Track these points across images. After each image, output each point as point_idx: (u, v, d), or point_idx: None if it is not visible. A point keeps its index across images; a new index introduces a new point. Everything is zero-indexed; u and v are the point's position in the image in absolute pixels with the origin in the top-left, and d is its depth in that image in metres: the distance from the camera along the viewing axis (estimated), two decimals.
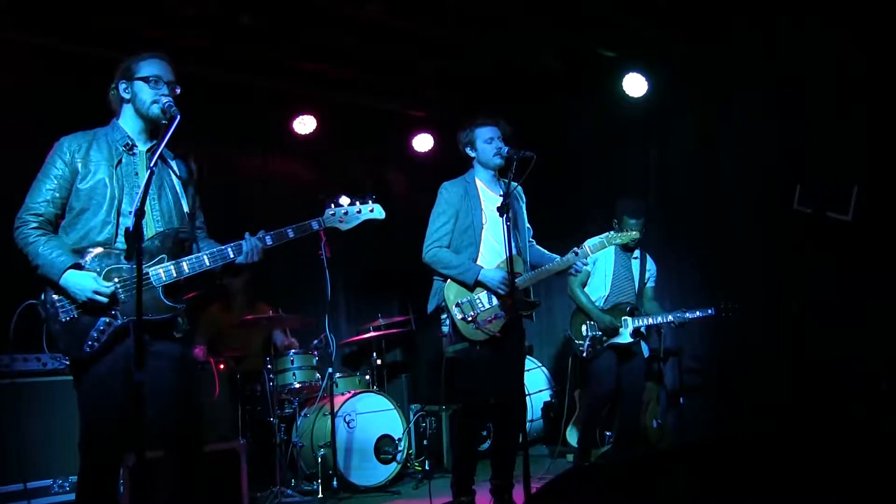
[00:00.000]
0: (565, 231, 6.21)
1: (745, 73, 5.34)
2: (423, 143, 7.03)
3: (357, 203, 3.12)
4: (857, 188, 4.61)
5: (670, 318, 4.74)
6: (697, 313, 4.68)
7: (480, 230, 3.75)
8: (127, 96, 2.84)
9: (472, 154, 3.87)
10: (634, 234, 4.22)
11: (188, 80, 5.82)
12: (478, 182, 3.87)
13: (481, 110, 4.10)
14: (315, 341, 5.15)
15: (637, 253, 5.04)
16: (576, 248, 3.75)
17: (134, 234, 2.24)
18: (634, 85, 5.77)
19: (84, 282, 2.61)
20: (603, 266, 4.99)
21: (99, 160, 2.76)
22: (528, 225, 4.02)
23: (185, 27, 5.12)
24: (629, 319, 4.83)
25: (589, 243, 3.78)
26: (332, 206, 3.09)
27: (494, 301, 3.71)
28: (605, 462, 5.11)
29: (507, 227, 3.40)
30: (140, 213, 2.35)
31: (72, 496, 4.03)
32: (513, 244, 3.57)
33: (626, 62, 5.84)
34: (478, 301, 3.70)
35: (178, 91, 2.86)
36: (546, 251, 4.01)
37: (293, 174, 6.77)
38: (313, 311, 5.39)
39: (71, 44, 5.12)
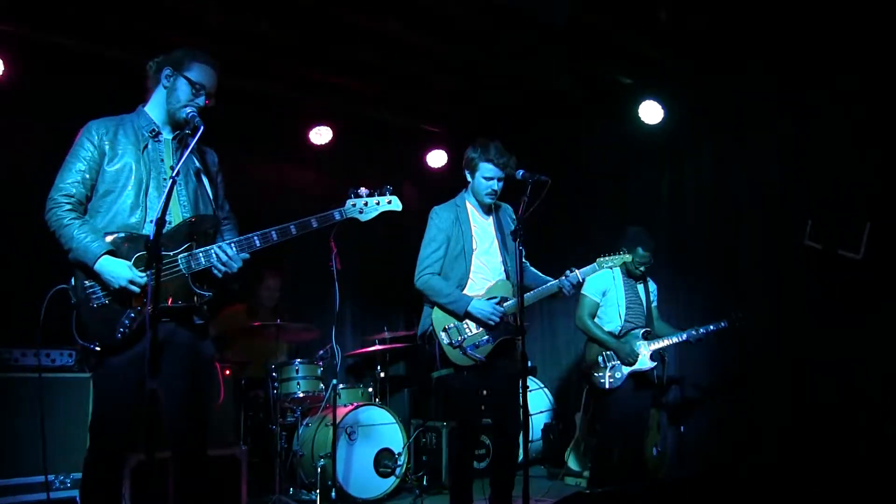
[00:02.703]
0: (576, 252, 6.24)
1: (761, 105, 5.35)
2: (437, 159, 7.08)
3: (376, 195, 3.19)
4: (869, 226, 4.61)
5: (684, 336, 4.78)
6: (711, 327, 4.72)
7: (471, 255, 3.80)
8: (167, 84, 2.85)
9: (469, 179, 3.91)
10: (627, 258, 4.18)
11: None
12: (468, 206, 3.91)
13: (498, 133, 4.12)
14: (321, 352, 5.18)
15: (640, 281, 5.10)
16: (567, 272, 3.79)
17: (154, 244, 2.26)
18: (650, 112, 5.82)
19: (119, 269, 2.61)
20: (615, 296, 5.00)
21: (126, 144, 2.77)
22: (520, 247, 4.01)
23: (206, 35, 5.19)
24: (644, 343, 4.84)
25: (580, 271, 3.83)
26: (353, 195, 3.15)
27: (481, 327, 3.75)
28: (605, 490, 5.09)
29: (519, 251, 3.44)
30: (160, 223, 2.37)
31: (72, 493, 4.05)
32: (509, 268, 3.76)
33: (642, 89, 5.89)
34: (465, 327, 3.74)
35: (210, 104, 2.88)
36: (540, 273, 4.01)
37: (306, 184, 6.83)
38: (320, 321, 5.42)
39: (97, 46, 5.20)
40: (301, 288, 6.21)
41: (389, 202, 3.20)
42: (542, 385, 6.51)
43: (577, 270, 3.80)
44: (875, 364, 4.51)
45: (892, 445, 4.30)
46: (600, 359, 4.86)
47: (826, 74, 4.91)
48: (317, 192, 6.84)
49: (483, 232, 3.86)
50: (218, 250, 2.76)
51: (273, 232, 2.88)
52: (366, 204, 3.15)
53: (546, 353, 6.88)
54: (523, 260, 3.94)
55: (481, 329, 3.73)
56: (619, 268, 4.96)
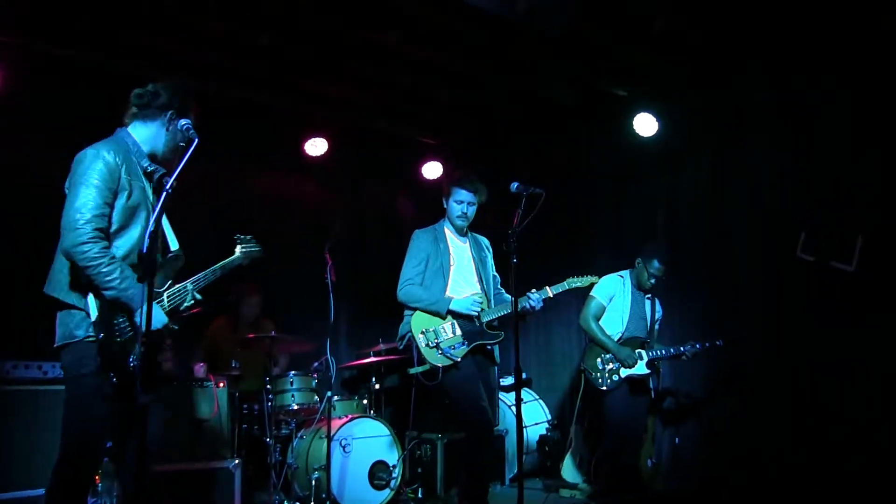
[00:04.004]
0: (573, 262, 6.28)
1: (755, 118, 5.40)
2: (432, 170, 7.09)
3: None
4: (862, 238, 4.64)
5: (682, 349, 4.91)
6: (707, 344, 4.86)
7: (449, 271, 4.08)
8: (164, 124, 2.90)
9: (445, 206, 4.19)
10: (594, 279, 4.34)
11: (204, 97, 5.93)
12: (446, 231, 4.21)
13: (492, 141, 4.25)
14: (315, 364, 5.18)
15: (649, 294, 5.20)
16: (530, 292, 4.02)
17: (147, 257, 2.27)
18: (645, 124, 5.85)
19: (159, 314, 2.74)
20: (621, 303, 5.13)
21: (134, 178, 2.79)
22: (494, 273, 4.33)
23: (206, 45, 5.21)
24: (643, 352, 4.98)
25: (550, 288, 4.09)
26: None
27: (458, 331, 4.00)
28: (599, 502, 5.09)
29: (514, 263, 3.51)
30: (154, 236, 2.39)
31: None
32: (486, 287, 4.08)
33: (637, 101, 5.92)
34: (442, 331, 3.98)
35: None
36: (509, 297, 4.17)
37: (302, 195, 6.84)
38: (315, 333, 5.41)
39: (96, 57, 5.22)
40: (296, 300, 6.20)
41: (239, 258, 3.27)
42: (538, 397, 6.50)
43: (547, 288, 4.06)
44: (868, 375, 4.52)
45: (883, 454, 4.31)
46: (599, 361, 5.00)
47: (821, 87, 4.94)
48: (312, 202, 6.86)
49: (459, 253, 4.17)
50: (195, 290, 2.93)
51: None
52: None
53: (541, 365, 6.88)
54: (498, 287, 4.32)
55: (458, 334, 3.97)
56: (629, 278, 5.19)
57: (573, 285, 4.15)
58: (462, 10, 4.62)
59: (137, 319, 2.64)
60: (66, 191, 2.74)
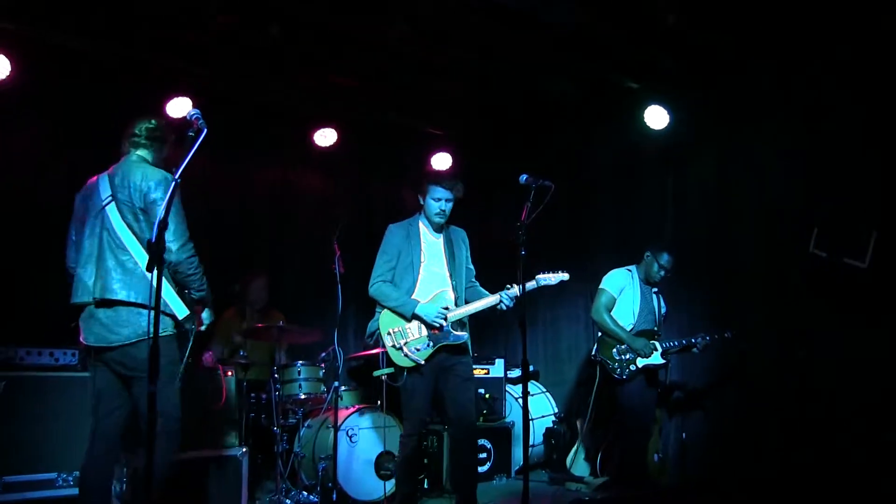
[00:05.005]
0: (579, 256, 6.27)
1: (767, 111, 5.35)
2: (441, 161, 7.07)
3: None
4: (876, 234, 4.59)
5: (693, 340, 4.99)
6: (716, 336, 4.94)
7: (419, 266, 4.12)
8: (160, 153, 3.45)
9: (422, 202, 4.20)
10: (565, 276, 4.24)
11: (211, 89, 5.94)
12: (421, 225, 4.24)
13: (501, 133, 4.21)
14: (323, 354, 5.19)
15: (655, 289, 5.25)
16: (507, 286, 4.06)
17: (156, 246, 2.29)
18: (656, 117, 5.80)
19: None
20: (630, 296, 5.16)
21: None
22: (470, 266, 4.35)
23: (213, 36, 5.21)
24: (656, 343, 5.04)
25: (518, 286, 4.02)
26: None
27: (424, 332, 4.04)
28: (605, 497, 5.09)
29: (523, 255, 3.53)
30: (163, 226, 2.41)
31: (75, 490, 4.06)
32: (455, 283, 4.11)
33: (648, 94, 5.88)
34: (408, 331, 4.04)
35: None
36: (485, 291, 4.26)
37: (310, 186, 6.84)
38: (322, 324, 5.43)
39: (104, 47, 5.22)
40: (304, 290, 6.21)
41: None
42: (545, 390, 6.50)
43: (515, 285, 4.04)
44: (878, 373, 4.48)
45: (891, 453, 4.28)
46: (614, 351, 5.03)
47: (833, 80, 4.89)
48: (321, 194, 6.86)
49: (431, 248, 4.20)
50: None
51: None
52: None
53: (549, 359, 6.88)
54: (472, 280, 4.35)
55: (424, 335, 4.03)
56: (636, 273, 5.23)
57: (541, 282, 4.15)
58: (471, 2, 4.59)
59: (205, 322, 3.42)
60: (157, 204, 3.18)
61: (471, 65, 5.81)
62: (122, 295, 3.14)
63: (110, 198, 3.26)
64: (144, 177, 3.25)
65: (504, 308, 4.07)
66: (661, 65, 5.64)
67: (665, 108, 5.76)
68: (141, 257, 3.14)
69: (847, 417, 4.58)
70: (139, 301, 3.12)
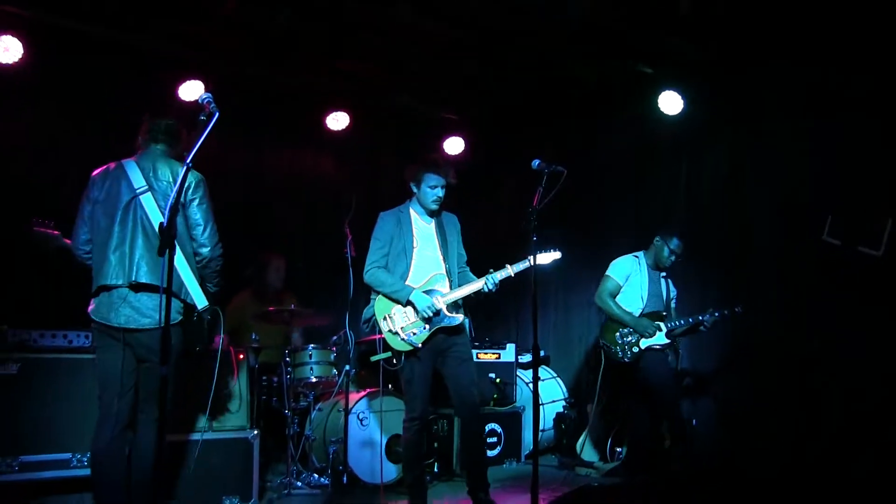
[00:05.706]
0: (592, 242, 6.24)
1: (782, 97, 5.28)
2: (454, 146, 7.04)
3: None
4: (892, 222, 4.54)
5: (701, 317, 4.97)
6: (726, 312, 4.91)
7: (412, 252, 4.17)
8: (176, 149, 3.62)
9: (415, 191, 4.23)
10: (557, 255, 4.28)
11: (223, 73, 5.91)
12: (412, 212, 4.27)
13: (514, 118, 4.17)
14: (334, 338, 5.20)
15: (663, 273, 5.26)
16: (491, 269, 4.11)
17: (167, 231, 2.30)
18: (670, 102, 5.75)
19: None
20: (638, 282, 5.18)
21: None
22: (462, 252, 4.36)
23: (223, 22, 5.19)
24: (661, 323, 5.07)
25: (513, 266, 4.13)
26: None
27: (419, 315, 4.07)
28: (614, 483, 5.10)
29: (534, 240, 3.56)
30: (174, 210, 2.42)
31: (88, 471, 4.11)
32: (449, 266, 4.16)
33: (663, 79, 5.82)
34: (403, 314, 4.09)
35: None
36: (473, 276, 4.29)
37: (323, 170, 6.84)
38: (334, 308, 5.44)
39: (113, 32, 5.22)
40: (316, 274, 6.23)
41: None
42: (556, 375, 6.50)
43: (508, 266, 4.12)
44: (890, 363, 4.44)
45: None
46: (617, 335, 5.08)
47: (848, 67, 4.82)
48: (333, 177, 6.85)
49: (423, 233, 4.23)
50: None
51: None
52: None
53: (560, 344, 6.87)
54: (463, 265, 4.37)
55: (419, 319, 4.06)
56: (643, 259, 5.24)
57: (511, 270, 4.14)
58: None
59: None
60: (193, 203, 3.46)
61: (484, 49, 5.77)
62: (155, 280, 3.32)
63: (145, 188, 3.42)
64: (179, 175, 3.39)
65: (486, 291, 4.11)
66: (676, 50, 5.57)
67: (679, 93, 5.70)
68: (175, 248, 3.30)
69: (860, 407, 4.56)
70: (171, 288, 3.23)
